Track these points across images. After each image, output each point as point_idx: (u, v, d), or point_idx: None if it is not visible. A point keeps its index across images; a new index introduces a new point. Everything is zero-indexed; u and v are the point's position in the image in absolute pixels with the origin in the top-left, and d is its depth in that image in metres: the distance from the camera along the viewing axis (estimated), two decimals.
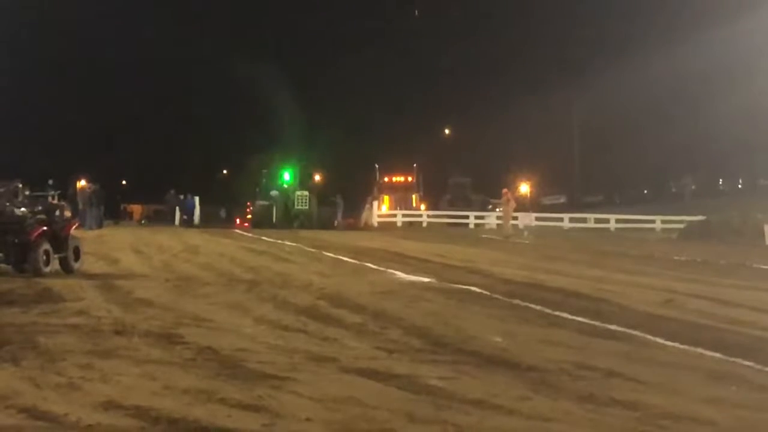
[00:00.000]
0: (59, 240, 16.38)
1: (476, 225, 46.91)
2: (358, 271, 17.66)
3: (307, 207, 43.65)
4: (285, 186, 44.41)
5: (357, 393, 6.82)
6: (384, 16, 79.70)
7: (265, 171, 46.19)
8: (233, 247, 24.54)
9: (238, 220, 46.53)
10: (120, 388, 6.88)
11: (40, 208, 16.95)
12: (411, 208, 49.95)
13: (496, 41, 72.80)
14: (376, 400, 6.60)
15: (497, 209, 43.45)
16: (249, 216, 45.61)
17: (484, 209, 52.83)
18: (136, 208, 55.99)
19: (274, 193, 44.01)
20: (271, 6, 73.82)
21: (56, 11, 57.77)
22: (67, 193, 32.64)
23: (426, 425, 6.03)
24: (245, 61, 50.84)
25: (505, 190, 36.66)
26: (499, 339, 9.43)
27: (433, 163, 56.84)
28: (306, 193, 44.24)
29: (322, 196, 46.57)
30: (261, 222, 41.90)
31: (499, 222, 45.14)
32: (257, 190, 45.82)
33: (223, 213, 48.37)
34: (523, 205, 37.94)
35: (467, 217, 47.96)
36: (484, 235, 36.96)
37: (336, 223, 43.97)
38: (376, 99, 72.15)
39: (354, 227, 43.90)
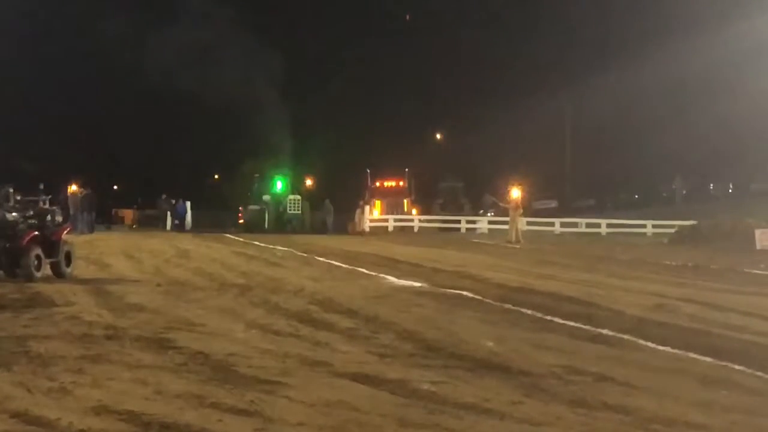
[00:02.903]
0: (51, 245, 16.36)
1: (468, 230, 46.88)
2: (349, 276, 17.66)
3: (299, 211, 43.61)
4: (277, 190, 44.36)
5: (349, 397, 6.83)
6: (375, 19, 79.62)
7: (257, 176, 46.15)
8: (225, 252, 24.52)
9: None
10: (111, 393, 6.88)
11: (31, 213, 16.94)
12: (403, 213, 49.86)
13: (488, 45, 72.80)
14: (368, 405, 6.61)
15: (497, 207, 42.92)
16: (241, 221, 45.57)
17: (489, 210, 52.71)
18: (128, 213, 55.84)
19: (266, 197, 43.96)
20: (263, 10, 73.76)
21: (50, 15, 57.77)
22: (59, 198, 32.52)
23: (418, 429, 6.04)
24: (237, 65, 50.76)
25: (512, 196, 36.13)
26: (490, 343, 9.44)
27: (424, 168, 56.76)
28: (298, 197, 44.20)
29: (314, 200, 46.53)
30: (253, 226, 41.85)
31: (492, 227, 45.19)
32: (249, 194, 45.78)
33: None
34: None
35: (459, 221, 47.92)
36: (475, 240, 36.97)
37: (327, 228, 43.98)
38: (367, 103, 72.10)
39: (346, 232, 43.86)
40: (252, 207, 44.33)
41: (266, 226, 42.30)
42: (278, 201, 43.64)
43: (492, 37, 71.95)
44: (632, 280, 17.08)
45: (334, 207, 46.98)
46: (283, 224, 42.47)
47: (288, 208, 43.39)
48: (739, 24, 44.09)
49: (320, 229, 43.22)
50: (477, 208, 55.75)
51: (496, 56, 73.31)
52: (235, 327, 10.48)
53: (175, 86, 50.68)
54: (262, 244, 28.47)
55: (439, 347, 9.14)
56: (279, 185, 44.71)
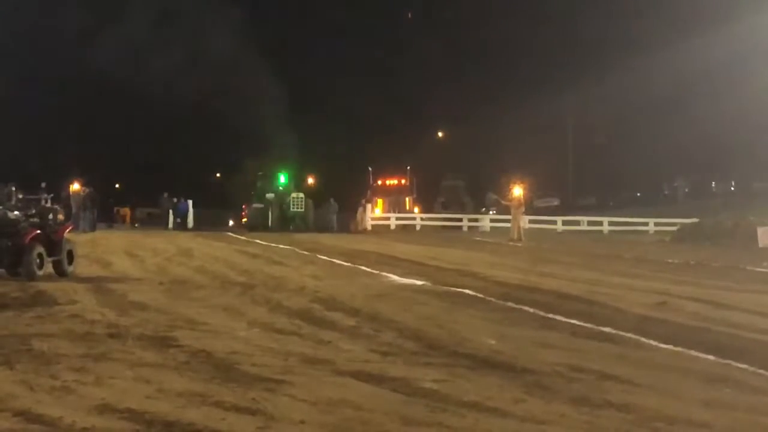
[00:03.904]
0: (53, 243, 16.36)
1: (470, 228, 46.90)
2: (351, 274, 17.66)
3: (302, 209, 43.53)
4: (280, 189, 44.30)
5: (351, 396, 6.84)
6: (377, 18, 79.61)
7: (260, 174, 46.08)
8: (227, 251, 24.53)
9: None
10: (114, 392, 6.89)
11: (33, 211, 16.95)
12: (404, 211, 49.85)
13: (491, 43, 72.80)
14: (371, 403, 6.61)
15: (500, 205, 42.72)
16: (244, 219, 45.54)
17: (492, 208, 52.73)
18: (126, 212, 55.58)
19: (269, 195, 43.90)
20: (263, 8, 73.83)
21: (49, 14, 57.80)
22: (60, 197, 32.54)
23: (420, 427, 6.04)
24: (238, 65, 50.75)
25: (514, 194, 35.95)
26: (493, 341, 9.44)
27: (426, 166, 56.74)
28: (302, 195, 44.11)
29: (316, 198, 46.48)
30: (256, 225, 41.81)
31: (494, 225, 45.22)
32: (252, 192, 45.72)
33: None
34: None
35: (461, 219, 47.94)
36: (477, 238, 36.97)
37: (331, 226, 43.99)
38: (369, 101, 72.08)
39: (348, 230, 43.87)
40: (255, 205, 44.27)
41: (269, 224, 42.25)
42: (282, 199, 43.58)
43: (494, 35, 71.87)
44: (634, 278, 17.07)
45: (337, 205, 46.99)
46: (286, 222, 42.43)
47: (291, 206, 43.34)
48: (742, 22, 44.04)
49: (324, 227, 43.21)
50: (479, 206, 55.75)
51: (499, 54, 73.40)
52: (237, 325, 10.49)
53: (177, 86, 50.62)
54: (264, 243, 28.48)
55: (441, 345, 9.15)
56: (282, 179, 44.66)
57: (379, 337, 9.71)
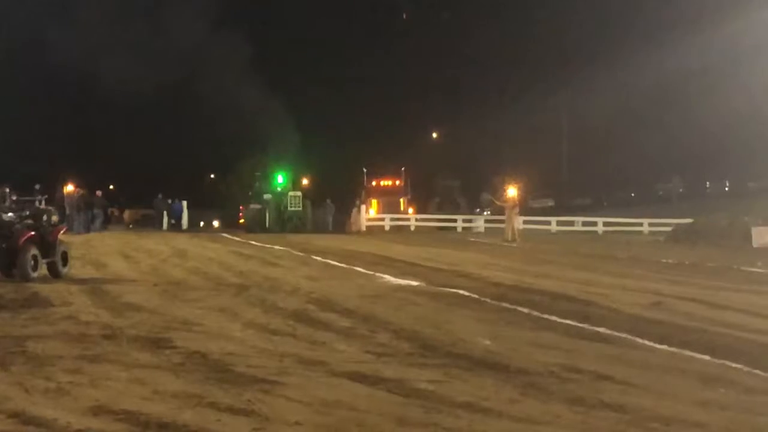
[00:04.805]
0: (47, 245, 16.34)
1: (464, 228, 46.90)
2: (346, 275, 17.65)
3: (300, 209, 43.46)
4: (278, 189, 44.25)
5: (346, 397, 6.83)
6: (372, 20, 79.56)
7: (258, 174, 46.04)
8: (222, 252, 24.52)
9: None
10: (109, 393, 6.88)
11: (27, 213, 16.92)
12: (399, 212, 49.81)
13: (485, 45, 72.82)
14: (366, 404, 6.61)
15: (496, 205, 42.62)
16: (241, 220, 45.48)
17: (487, 209, 52.70)
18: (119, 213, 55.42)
19: (267, 196, 43.86)
20: (259, 10, 73.74)
21: (48, 14, 57.73)
22: (55, 198, 32.48)
23: (416, 428, 6.04)
24: (233, 65, 50.73)
25: (508, 194, 35.87)
26: (488, 342, 9.44)
27: (421, 167, 56.71)
28: (299, 194, 44.02)
29: (315, 198, 46.49)
30: (254, 226, 41.74)
31: (489, 226, 45.22)
32: (250, 193, 45.68)
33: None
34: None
35: (455, 220, 47.94)
36: (472, 239, 36.96)
37: (326, 226, 44.01)
38: (364, 102, 72.07)
39: (343, 231, 43.88)
40: (253, 206, 44.23)
41: (267, 225, 42.19)
42: (279, 199, 43.49)
43: (489, 36, 71.96)
44: (629, 279, 17.08)
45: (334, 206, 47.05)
46: (284, 223, 42.33)
47: (289, 205, 43.24)
48: (735, 22, 44.08)
49: (322, 227, 43.21)
50: (474, 206, 55.74)
51: (493, 55, 73.39)
52: (232, 326, 10.47)
53: (174, 86, 50.62)
54: (259, 244, 28.46)
55: (436, 346, 9.14)
56: (280, 179, 44.55)
57: (374, 338, 9.70)
